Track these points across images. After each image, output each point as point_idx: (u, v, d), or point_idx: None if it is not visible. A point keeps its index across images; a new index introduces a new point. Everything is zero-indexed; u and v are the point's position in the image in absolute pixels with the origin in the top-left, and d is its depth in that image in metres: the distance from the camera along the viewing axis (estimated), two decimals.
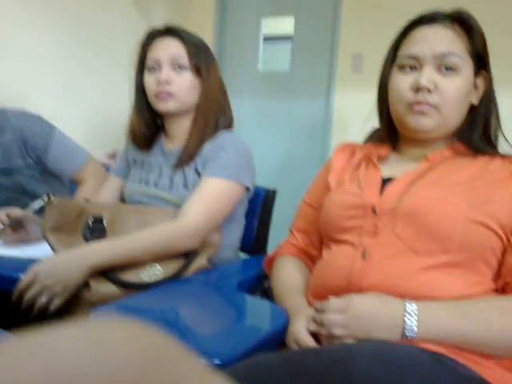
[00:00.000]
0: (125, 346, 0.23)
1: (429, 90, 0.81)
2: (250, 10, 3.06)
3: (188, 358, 0.27)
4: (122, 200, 1.26)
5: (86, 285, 0.90)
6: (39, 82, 2.18)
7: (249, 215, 1.27)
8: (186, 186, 1.13)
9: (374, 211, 0.80)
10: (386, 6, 2.63)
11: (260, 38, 3.06)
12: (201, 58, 1.16)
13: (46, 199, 0.96)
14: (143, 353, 0.23)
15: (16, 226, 1.09)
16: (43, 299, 0.86)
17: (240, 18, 3.11)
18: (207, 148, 1.14)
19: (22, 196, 1.45)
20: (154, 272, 0.96)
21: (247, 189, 1.15)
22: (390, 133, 0.93)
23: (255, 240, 1.30)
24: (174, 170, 1.17)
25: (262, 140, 2.95)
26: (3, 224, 1.07)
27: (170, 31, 1.16)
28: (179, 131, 1.20)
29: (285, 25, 2.99)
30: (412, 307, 0.68)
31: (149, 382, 0.23)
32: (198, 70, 1.15)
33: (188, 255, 1.03)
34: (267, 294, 0.96)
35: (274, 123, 3.01)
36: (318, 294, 0.82)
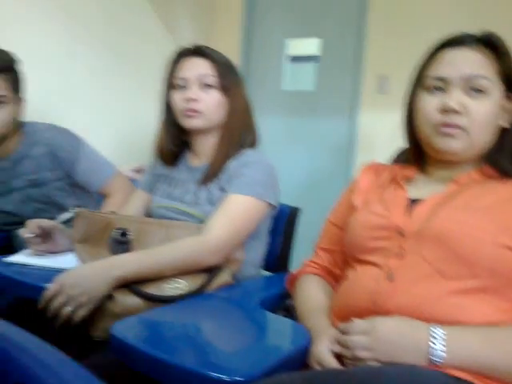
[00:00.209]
0: None
1: (457, 112, 0.80)
2: (276, 31, 3.11)
3: None
4: (148, 214, 1.28)
5: (109, 296, 0.91)
6: (68, 99, 2.25)
7: (272, 233, 1.27)
8: (210, 201, 1.14)
9: (400, 233, 0.80)
10: (412, 27, 2.64)
11: (285, 58, 3.10)
12: (228, 78, 1.18)
13: (74, 211, 0.99)
14: None
15: (45, 236, 1.12)
16: (68, 309, 0.87)
17: (266, 39, 3.16)
18: (232, 165, 1.15)
19: (50, 207, 1.49)
20: (178, 286, 0.97)
21: (271, 206, 1.16)
22: (417, 154, 0.93)
23: (278, 258, 1.30)
24: (198, 185, 1.18)
25: (286, 158, 2.96)
26: (33, 234, 1.10)
27: (198, 51, 1.19)
28: (205, 148, 1.22)
29: (310, 45, 3.03)
30: (438, 332, 0.66)
31: None
32: (224, 89, 1.17)
33: (211, 271, 1.03)
34: (290, 312, 0.95)
35: (299, 142, 3.02)
36: (342, 314, 0.81)
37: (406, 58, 2.45)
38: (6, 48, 1.37)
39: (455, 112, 0.80)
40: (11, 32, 1.92)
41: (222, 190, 1.14)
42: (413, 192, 0.87)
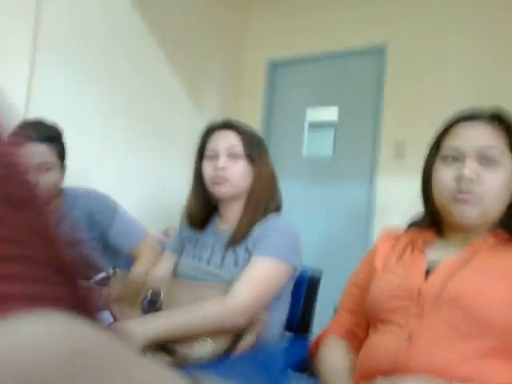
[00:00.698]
0: (41, 341, 0.22)
1: (471, 181, 0.86)
2: (296, 101, 3.28)
3: (115, 346, 0.26)
4: (176, 275, 1.33)
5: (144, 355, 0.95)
6: (102, 164, 2.40)
7: (295, 294, 1.30)
8: (236, 264, 1.20)
9: (419, 295, 0.84)
10: (425, 96, 2.76)
11: (305, 127, 3.25)
12: (254, 148, 1.28)
13: (111, 272, 1.05)
14: (62, 346, 0.22)
15: None
16: None
17: (286, 108, 3.33)
18: (257, 229, 1.22)
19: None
20: (205, 346, 1.00)
21: (294, 269, 1.20)
22: (434, 219, 0.98)
23: (300, 319, 1.32)
24: (225, 249, 1.24)
25: (305, 224, 3.01)
26: None
27: (227, 124, 1.30)
28: (232, 213, 1.29)
29: (329, 113, 3.17)
30: None
31: (70, 376, 0.22)
32: (251, 159, 1.27)
33: (237, 332, 1.07)
34: (314, 374, 0.97)
35: (318, 207, 3.08)
36: (365, 374, 0.83)
37: (422, 124, 2.57)
38: (51, 118, 1.52)
39: (470, 180, 0.86)
40: (55, 102, 2.10)
41: (248, 253, 1.20)
42: (431, 255, 0.92)
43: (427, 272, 0.87)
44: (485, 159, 0.87)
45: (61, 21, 2.19)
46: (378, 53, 2.96)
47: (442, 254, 0.91)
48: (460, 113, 0.95)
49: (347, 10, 3.11)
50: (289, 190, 3.11)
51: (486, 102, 0.99)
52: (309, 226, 3.02)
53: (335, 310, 1.08)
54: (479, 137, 0.89)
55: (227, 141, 1.27)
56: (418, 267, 0.89)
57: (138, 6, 2.61)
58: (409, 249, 0.96)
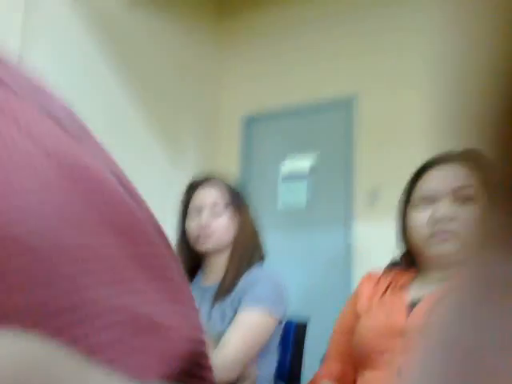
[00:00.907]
0: None
1: (447, 219, 0.90)
2: (270, 153, 3.36)
3: (65, 361, 0.25)
4: None
5: None
6: None
7: (282, 344, 1.30)
8: (223, 319, 1.20)
9: (402, 333, 0.86)
10: (397, 143, 2.86)
11: (280, 178, 3.31)
12: (236, 201, 1.32)
13: None
14: (14, 364, 0.21)
15: None
16: None
17: (261, 161, 3.41)
18: (243, 282, 1.23)
19: None
20: None
21: (280, 321, 1.21)
22: (412, 259, 1.01)
23: (290, 369, 1.32)
24: (211, 304, 1.25)
25: (285, 274, 2.97)
26: None
27: (209, 179, 1.35)
28: (217, 267, 1.31)
29: (302, 164, 3.25)
30: None
31: None
32: (234, 212, 1.31)
33: None
34: None
35: (296, 257, 3.09)
36: None
37: (395, 170, 2.65)
38: None
39: (445, 220, 0.90)
40: None
41: (234, 307, 1.20)
42: (411, 294, 0.95)
43: (409, 310, 0.90)
44: (460, 198, 0.91)
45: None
46: (348, 104, 3.09)
47: (422, 292, 0.94)
48: (432, 157, 0.99)
49: (318, 65, 3.25)
50: (267, 241, 3.15)
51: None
52: (288, 276, 2.99)
53: (322, 360, 1.09)
54: (454, 178, 0.93)
55: (210, 196, 1.31)
56: (400, 307, 0.92)
57: (113, 63, 2.68)
58: (389, 290, 0.99)
